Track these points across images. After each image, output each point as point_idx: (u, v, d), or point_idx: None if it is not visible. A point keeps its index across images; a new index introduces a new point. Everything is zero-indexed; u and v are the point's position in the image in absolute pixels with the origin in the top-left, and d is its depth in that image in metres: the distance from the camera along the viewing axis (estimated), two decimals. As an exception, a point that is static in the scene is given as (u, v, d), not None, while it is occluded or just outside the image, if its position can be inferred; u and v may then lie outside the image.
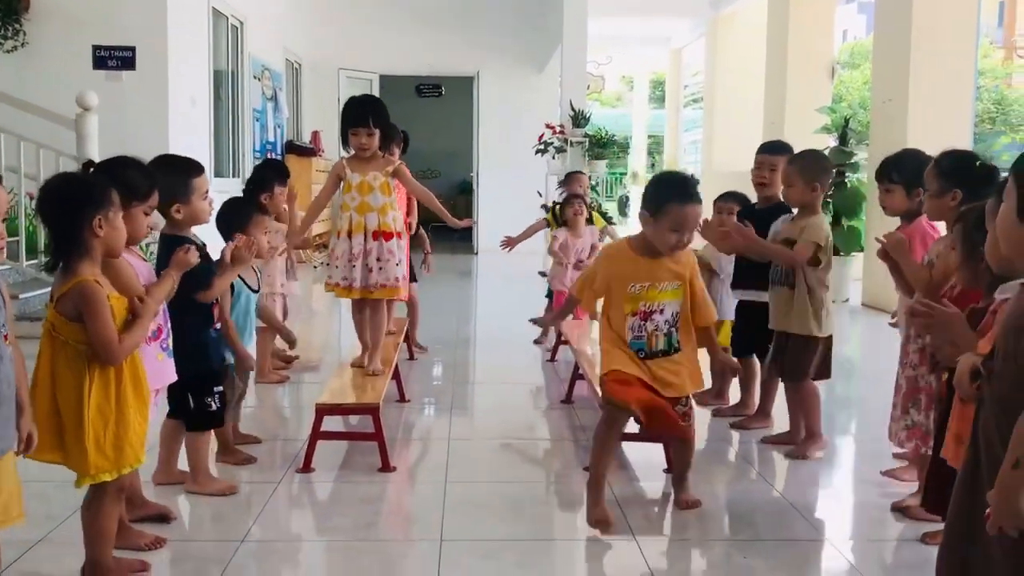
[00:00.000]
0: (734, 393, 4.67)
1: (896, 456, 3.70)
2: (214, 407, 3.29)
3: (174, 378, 2.99)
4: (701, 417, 4.53)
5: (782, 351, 3.96)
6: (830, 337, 3.96)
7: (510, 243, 6.28)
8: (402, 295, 4.35)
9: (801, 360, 3.91)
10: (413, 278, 5.85)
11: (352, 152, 4.20)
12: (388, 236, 4.11)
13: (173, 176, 3.12)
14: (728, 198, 4.62)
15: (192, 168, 3.24)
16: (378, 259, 4.10)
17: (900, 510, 3.27)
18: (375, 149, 4.16)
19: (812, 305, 3.85)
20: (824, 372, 4.00)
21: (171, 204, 3.11)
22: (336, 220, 4.32)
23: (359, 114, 4.12)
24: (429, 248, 6.14)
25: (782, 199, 4.17)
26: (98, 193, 2.43)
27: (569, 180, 6.69)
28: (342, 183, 4.17)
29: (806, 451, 3.95)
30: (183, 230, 3.20)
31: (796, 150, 4.32)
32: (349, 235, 4.10)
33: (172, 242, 3.07)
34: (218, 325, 3.34)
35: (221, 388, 3.33)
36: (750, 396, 4.52)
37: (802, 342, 3.89)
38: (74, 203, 2.40)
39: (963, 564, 1.86)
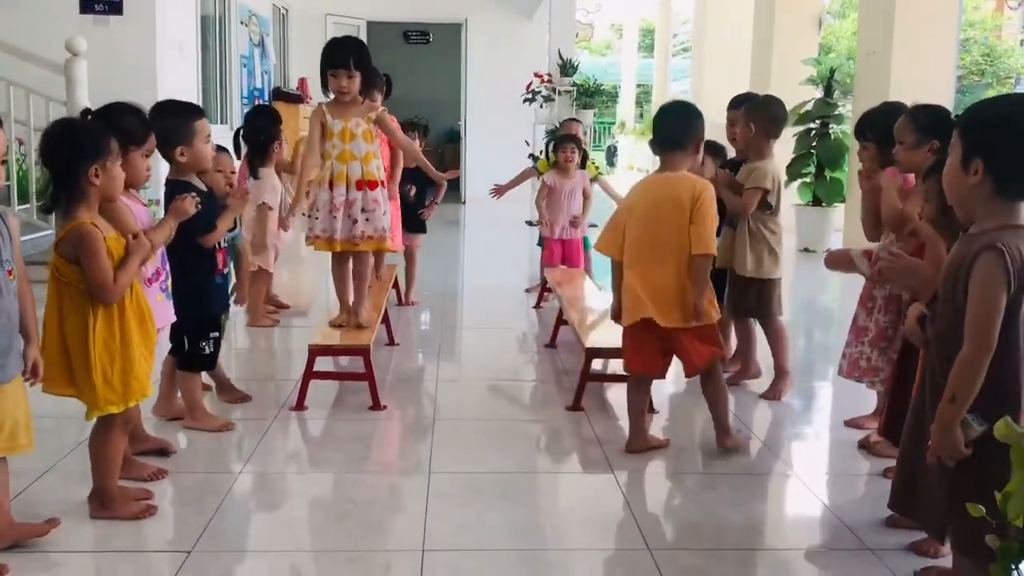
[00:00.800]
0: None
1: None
2: (207, 351, 3.44)
3: (173, 318, 3.13)
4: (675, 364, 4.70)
5: (736, 292, 4.12)
6: (779, 280, 4.10)
7: (499, 191, 6.37)
8: (389, 245, 4.26)
9: (768, 299, 4.07)
10: (422, 229, 5.96)
11: (332, 97, 3.97)
12: (372, 185, 3.93)
13: (175, 120, 3.22)
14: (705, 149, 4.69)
15: (193, 112, 3.35)
16: (363, 209, 3.91)
17: (865, 447, 3.44)
18: (355, 93, 3.93)
19: (753, 248, 4.02)
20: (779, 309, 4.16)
21: (175, 147, 3.20)
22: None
23: (339, 56, 3.90)
24: (438, 198, 6.13)
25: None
26: (95, 142, 2.52)
27: (564, 127, 6.74)
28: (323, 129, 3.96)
29: (779, 391, 4.11)
30: (186, 175, 3.30)
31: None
32: (331, 185, 3.90)
33: (176, 188, 3.18)
34: (225, 271, 3.47)
35: (217, 334, 3.47)
36: (752, 359, 4.65)
37: (753, 283, 4.05)
38: (71, 152, 2.49)
39: (911, 488, 2.03)
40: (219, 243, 3.42)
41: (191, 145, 3.24)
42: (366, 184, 3.94)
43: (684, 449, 3.52)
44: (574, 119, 7.33)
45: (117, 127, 2.69)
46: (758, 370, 4.37)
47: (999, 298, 1.81)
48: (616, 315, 3.42)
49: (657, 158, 3.43)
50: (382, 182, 4.01)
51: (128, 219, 2.76)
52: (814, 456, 3.68)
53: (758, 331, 4.33)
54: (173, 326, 3.25)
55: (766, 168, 4.02)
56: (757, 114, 4.09)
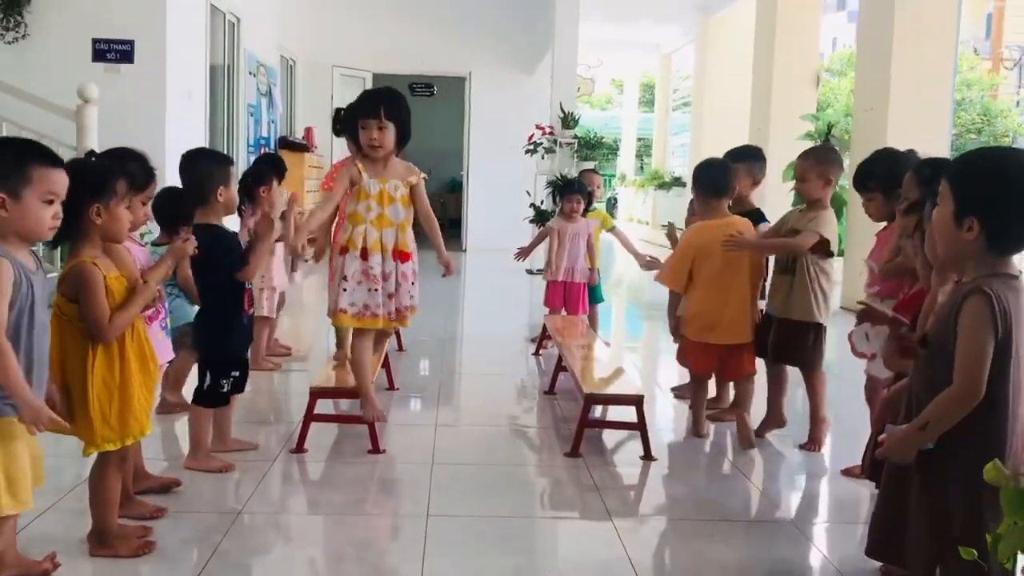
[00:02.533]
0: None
1: None
2: (226, 388, 3.50)
3: (172, 355, 3.19)
4: (680, 410, 4.72)
5: (785, 338, 4.03)
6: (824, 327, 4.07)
7: (523, 253, 6.43)
8: (407, 323, 3.89)
9: (817, 345, 4.01)
10: None
11: (362, 153, 3.65)
12: (405, 257, 3.66)
13: (216, 163, 3.47)
14: None
15: (227, 158, 3.66)
16: (398, 283, 3.65)
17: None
18: (389, 147, 3.60)
19: (814, 292, 3.95)
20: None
21: (215, 189, 3.38)
22: (343, 231, 3.72)
23: (368, 105, 3.61)
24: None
25: (756, 205, 4.33)
26: (101, 182, 2.57)
27: (585, 177, 6.84)
28: (355, 188, 3.61)
29: (820, 441, 4.04)
30: (219, 217, 3.44)
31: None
32: (364, 254, 3.59)
33: (206, 229, 3.31)
34: (251, 312, 3.52)
35: (238, 373, 3.52)
36: (724, 390, 4.69)
37: (804, 328, 3.99)
38: (76, 189, 2.53)
39: (893, 532, 2.07)
40: (246, 283, 3.49)
41: (228, 186, 3.44)
42: (399, 254, 3.66)
43: (683, 497, 3.52)
44: (594, 171, 7.46)
45: (121, 171, 2.75)
46: (784, 420, 4.29)
47: (987, 340, 1.85)
48: (675, 332, 4.24)
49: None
50: (413, 253, 3.73)
51: (127, 262, 2.81)
52: (813, 504, 3.68)
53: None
54: (198, 361, 3.35)
55: (830, 217, 3.96)
56: (823, 162, 3.99)
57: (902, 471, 2.00)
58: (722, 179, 4.15)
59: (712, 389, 4.79)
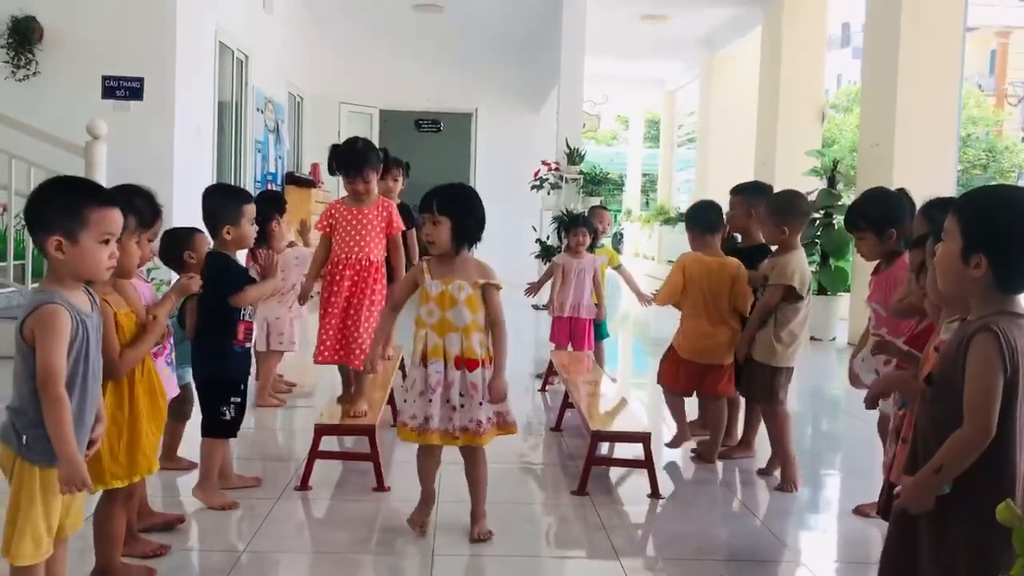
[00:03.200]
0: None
1: None
2: (228, 416, 3.46)
3: (177, 391, 3.18)
4: (687, 447, 4.68)
5: (748, 376, 4.16)
6: (790, 369, 4.11)
7: (533, 288, 6.46)
8: (486, 440, 3.29)
9: (772, 384, 4.07)
10: None
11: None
12: (472, 365, 3.19)
13: (227, 200, 3.49)
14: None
15: (243, 195, 3.63)
16: (464, 395, 3.20)
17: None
18: (444, 246, 3.21)
19: (775, 335, 4.03)
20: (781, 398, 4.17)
21: (224, 226, 3.42)
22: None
23: (425, 199, 3.28)
24: None
25: (762, 239, 4.35)
26: None
27: (591, 214, 6.87)
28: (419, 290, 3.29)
29: (792, 478, 4.03)
30: (231, 251, 3.48)
31: (775, 190, 4.55)
32: (424, 361, 3.22)
33: (213, 257, 3.42)
34: (247, 344, 3.50)
35: (239, 399, 3.48)
36: (733, 427, 4.66)
37: (762, 368, 4.08)
38: None
39: (910, 550, 2.03)
40: (243, 314, 3.47)
41: (238, 226, 3.44)
42: (464, 363, 3.20)
43: (690, 536, 3.48)
44: (603, 207, 7.50)
45: (128, 208, 2.75)
46: (753, 450, 4.47)
47: (996, 378, 1.83)
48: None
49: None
50: (484, 361, 3.24)
51: (134, 298, 2.81)
52: (822, 544, 3.63)
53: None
54: (197, 392, 3.40)
55: (787, 262, 4.02)
56: (778, 210, 4.09)
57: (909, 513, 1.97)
58: (712, 217, 4.44)
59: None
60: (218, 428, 3.46)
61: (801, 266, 4.06)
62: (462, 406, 3.18)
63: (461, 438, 3.21)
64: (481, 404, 3.18)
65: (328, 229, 4.24)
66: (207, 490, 3.48)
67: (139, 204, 2.88)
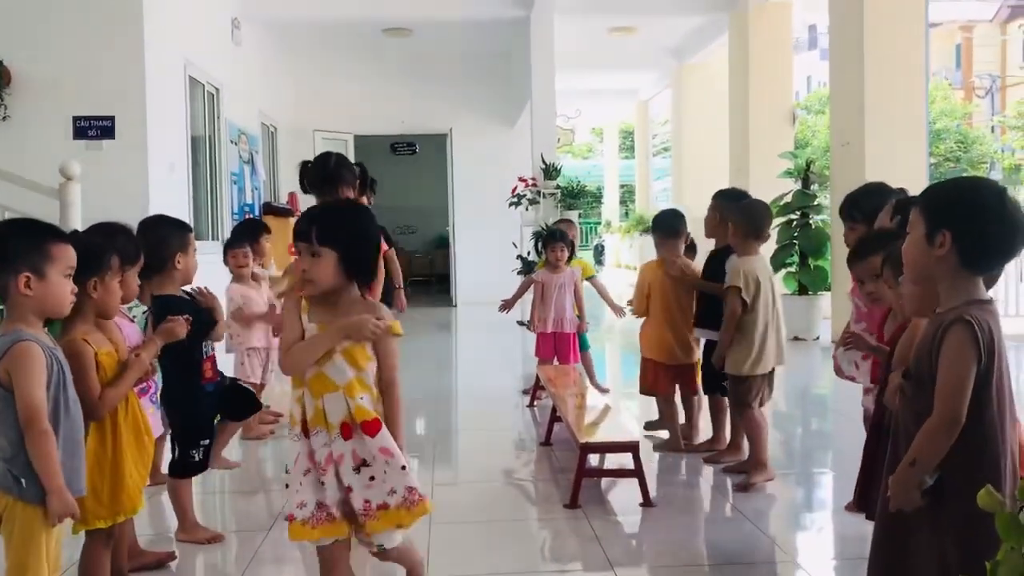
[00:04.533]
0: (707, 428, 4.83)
1: None
2: (197, 458, 3.41)
3: (162, 429, 3.15)
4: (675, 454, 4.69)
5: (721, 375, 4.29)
6: (764, 375, 4.15)
7: (507, 305, 6.45)
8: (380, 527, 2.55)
9: (737, 393, 4.15)
10: None
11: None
12: (367, 429, 2.50)
13: (170, 231, 3.37)
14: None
15: (186, 226, 3.54)
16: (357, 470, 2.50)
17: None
18: (325, 283, 2.48)
19: (740, 345, 4.09)
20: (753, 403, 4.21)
21: (174, 256, 3.29)
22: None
23: (301, 223, 2.55)
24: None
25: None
26: (94, 257, 2.57)
27: (562, 224, 6.90)
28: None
29: (751, 480, 4.07)
30: (176, 287, 3.35)
31: (755, 194, 4.62)
32: (305, 430, 2.53)
33: (165, 302, 3.25)
34: (218, 379, 3.47)
35: (208, 441, 3.45)
36: (721, 431, 4.67)
37: (732, 378, 4.16)
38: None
39: (892, 565, 2.04)
40: (205, 351, 3.43)
41: (187, 254, 3.35)
42: (353, 430, 2.50)
43: (685, 542, 3.48)
44: (570, 221, 7.53)
45: (111, 247, 2.74)
46: (742, 452, 4.44)
47: (969, 369, 1.85)
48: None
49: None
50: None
51: (117, 337, 2.79)
52: (816, 543, 3.64)
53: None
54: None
55: (736, 265, 4.16)
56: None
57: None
58: (674, 223, 4.82)
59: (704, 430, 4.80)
60: (185, 469, 3.41)
61: (748, 267, 4.12)
62: (359, 488, 2.48)
63: (355, 525, 2.53)
64: (381, 479, 2.51)
65: None
66: (188, 528, 3.45)
67: (120, 242, 2.87)
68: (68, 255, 2.30)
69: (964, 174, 20.22)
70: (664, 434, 4.93)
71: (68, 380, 2.29)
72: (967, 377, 1.85)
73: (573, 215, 10.70)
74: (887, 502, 1.98)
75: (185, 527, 3.45)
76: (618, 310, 6.26)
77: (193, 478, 3.49)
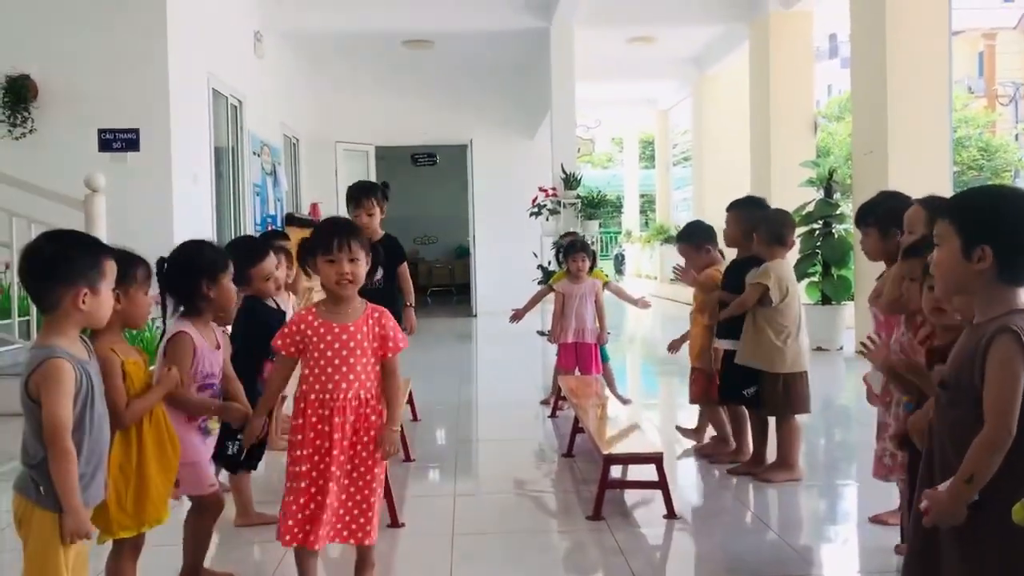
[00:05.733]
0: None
1: None
2: (231, 450, 3.58)
3: (209, 452, 3.11)
4: (702, 464, 4.66)
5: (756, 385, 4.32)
6: (798, 374, 4.21)
7: (518, 315, 6.45)
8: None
9: (788, 395, 4.21)
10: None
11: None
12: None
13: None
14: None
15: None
16: None
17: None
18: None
19: (763, 343, 4.23)
20: (801, 406, 4.29)
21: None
22: None
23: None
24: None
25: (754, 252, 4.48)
26: (121, 267, 2.59)
27: (567, 237, 6.90)
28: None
29: (771, 475, 4.22)
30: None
31: (777, 204, 4.64)
32: None
33: (253, 304, 3.77)
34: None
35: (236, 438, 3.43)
36: (744, 442, 4.65)
37: (766, 377, 4.23)
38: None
39: (933, 560, 1.99)
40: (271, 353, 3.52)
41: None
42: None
43: (710, 555, 3.46)
44: (575, 232, 7.53)
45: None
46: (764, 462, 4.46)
47: (1019, 380, 1.81)
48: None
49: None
50: None
51: (184, 357, 2.85)
52: (841, 555, 3.60)
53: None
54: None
55: (767, 268, 4.28)
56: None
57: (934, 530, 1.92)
58: (701, 232, 4.95)
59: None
60: (225, 463, 3.67)
61: (780, 271, 4.29)
62: None
63: None
64: None
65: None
66: (248, 514, 3.76)
67: (208, 253, 3.04)
68: (114, 269, 2.37)
69: (988, 183, 20.02)
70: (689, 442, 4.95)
71: (97, 395, 2.30)
72: (1018, 389, 1.81)
73: (593, 225, 10.70)
74: (920, 517, 1.94)
75: (246, 513, 3.75)
76: (641, 302, 6.39)
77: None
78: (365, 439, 2.84)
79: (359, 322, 2.85)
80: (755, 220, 4.42)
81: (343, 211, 4.57)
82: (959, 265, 1.90)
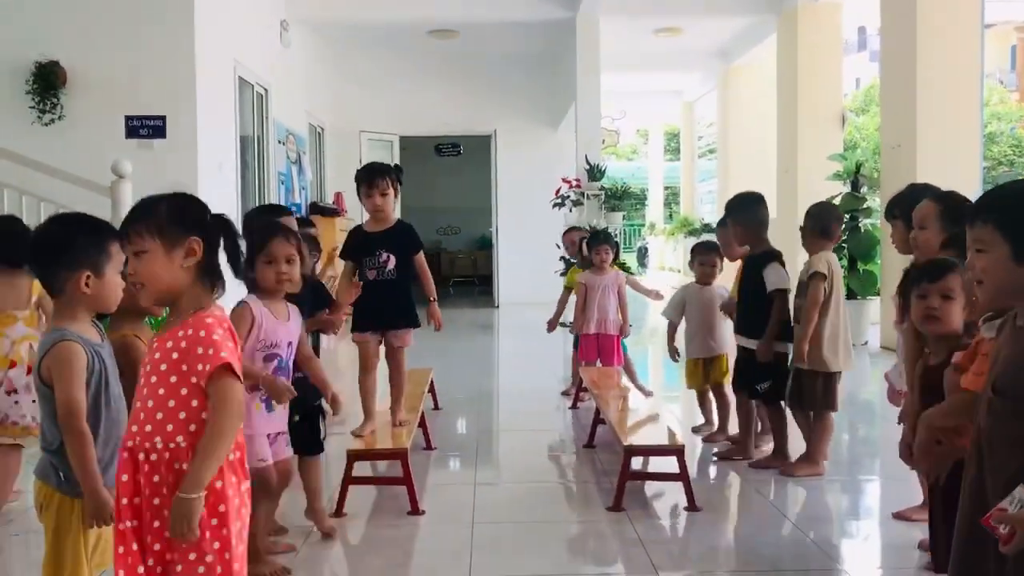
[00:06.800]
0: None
1: None
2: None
3: (273, 429, 3.10)
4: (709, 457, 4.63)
5: (797, 384, 4.24)
6: (837, 373, 4.19)
7: (552, 324, 6.47)
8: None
9: (824, 392, 4.19)
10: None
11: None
12: None
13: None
14: (708, 248, 5.21)
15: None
16: None
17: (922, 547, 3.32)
18: None
19: (830, 341, 4.14)
20: (836, 404, 4.26)
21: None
22: None
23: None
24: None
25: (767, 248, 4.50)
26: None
27: (563, 236, 6.90)
28: None
29: (795, 469, 4.21)
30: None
31: (803, 197, 4.58)
32: None
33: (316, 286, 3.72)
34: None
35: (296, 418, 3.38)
36: (749, 435, 4.64)
37: (806, 374, 4.17)
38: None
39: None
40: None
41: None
42: None
43: (730, 548, 3.44)
44: (576, 228, 7.44)
45: None
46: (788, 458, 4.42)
47: None
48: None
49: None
50: None
51: (242, 332, 2.85)
52: (864, 551, 3.57)
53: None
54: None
55: (818, 257, 4.23)
56: (806, 219, 4.36)
57: (979, 544, 1.81)
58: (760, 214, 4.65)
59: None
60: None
61: (832, 259, 4.25)
62: None
63: None
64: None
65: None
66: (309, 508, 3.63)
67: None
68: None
69: (1018, 178, 19.75)
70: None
71: (112, 377, 2.30)
72: None
73: (617, 217, 10.66)
74: (969, 538, 1.84)
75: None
76: (654, 293, 6.37)
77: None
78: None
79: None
80: (752, 215, 4.48)
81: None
82: (1012, 271, 1.77)
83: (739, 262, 4.78)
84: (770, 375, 4.34)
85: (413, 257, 4.18)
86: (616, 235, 9.23)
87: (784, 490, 4.14)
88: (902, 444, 2.90)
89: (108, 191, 6.45)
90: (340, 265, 4.38)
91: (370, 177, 4.14)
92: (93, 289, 2.25)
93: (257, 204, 9.81)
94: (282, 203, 10.58)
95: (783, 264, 4.42)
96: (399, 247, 4.14)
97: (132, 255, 2.06)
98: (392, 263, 4.12)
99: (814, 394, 4.19)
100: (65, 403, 2.16)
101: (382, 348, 4.31)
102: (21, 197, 6.53)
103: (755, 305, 4.38)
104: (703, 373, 5.06)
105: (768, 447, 4.60)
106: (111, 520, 2.17)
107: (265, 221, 3.38)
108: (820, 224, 4.28)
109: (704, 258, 5.15)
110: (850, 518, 3.90)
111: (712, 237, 5.51)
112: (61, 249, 2.26)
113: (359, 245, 4.20)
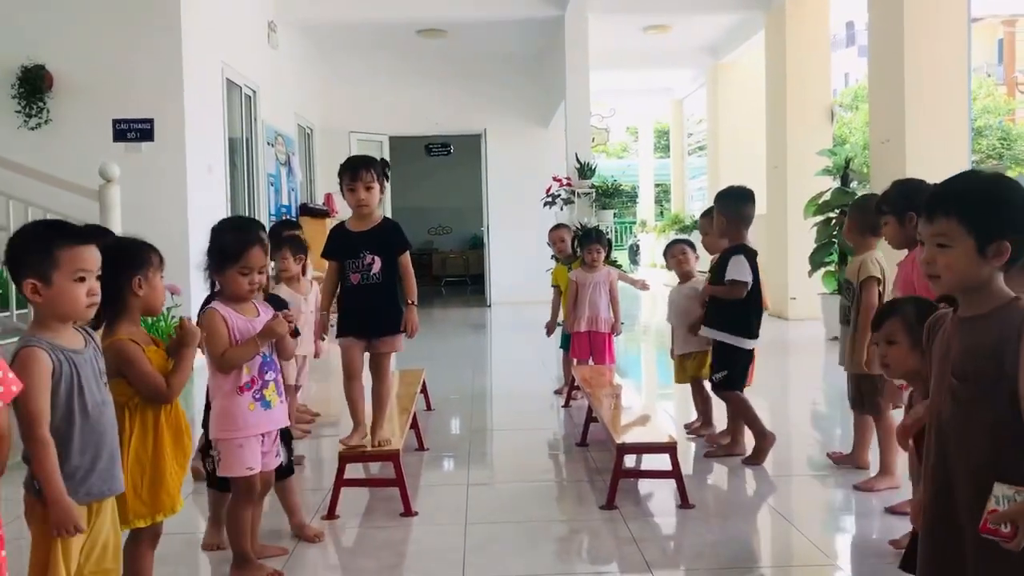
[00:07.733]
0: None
1: None
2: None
3: (273, 425, 3.09)
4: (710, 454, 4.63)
5: (857, 390, 4.12)
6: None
7: (550, 328, 6.51)
8: None
9: (870, 394, 4.02)
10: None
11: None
12: None
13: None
14: (674, 243, 5.36)
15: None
16: None
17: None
18: None
19: (857, 343, 3.94)
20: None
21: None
22: None
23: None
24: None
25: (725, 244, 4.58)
26: (135, 254, 2.62)
27: (550, 233, 6.90)
28: None
29: (874, 484, 3.97)
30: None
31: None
32: None
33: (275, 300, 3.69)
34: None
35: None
36: (740, 433, 4.65)
37: (862, 378, 4.02)
38: (113, 266, 2.47)
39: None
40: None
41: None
42: None
43: (724, 544, 3.44)
44: (562, 225, 7.39)
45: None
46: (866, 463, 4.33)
47: None
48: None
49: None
50: None
51: (221, 333, 2.91)
52: (859, 546, 3.57)
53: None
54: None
55: (868, 259, 3.98)
56: (850, 212, 4.19)
57: (947, 533, 1.82)
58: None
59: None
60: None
61: (880, 259, 4.00)
62: None
63: None
64: None
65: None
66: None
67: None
68: (78, 258, 2.21)
69: (1013, 171, 19.86)
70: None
71: (90, 384, 2.26)
72: None
73: (608, 214, 10.66)
74: (935, 529, 1.86)
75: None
76: (640, 283, 6.45)
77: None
78: None
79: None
80: (738, 209, 4.50)
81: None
82: (975, 264, 1.79)
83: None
84: (725, 366, 4.45)
85: (399, 258, 3.86)
86: (608, 232, 9.22)
87: (777, 487, 4.14)
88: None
89: (96, 195, 6.43)
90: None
91: (353, 169, 3.83)
92: (44, 297, 2.19)
93: (247, 207, 9.79)
94: (272, 204, 10.56)
95: (752, 259, 4.44)
96: (384, 247, 3.82)
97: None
98: (377, 266, 3.79)
99: (874, 397, 4.02)
100: (23, 411, 2.11)
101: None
102: (8, 202, 6.50)
103: (723, 299, 4.45)
104: (683, 368, 5.07)
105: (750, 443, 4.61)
106: (75, 530, 2.15)
107: (239, 231, 3.18)
108: (869, 221, 3.92)
109: (670, 251, 5.29)
110: (844, 513, 3.90)
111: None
112: (12, 259, 2.24)
113: (342, 245, 3.89)
